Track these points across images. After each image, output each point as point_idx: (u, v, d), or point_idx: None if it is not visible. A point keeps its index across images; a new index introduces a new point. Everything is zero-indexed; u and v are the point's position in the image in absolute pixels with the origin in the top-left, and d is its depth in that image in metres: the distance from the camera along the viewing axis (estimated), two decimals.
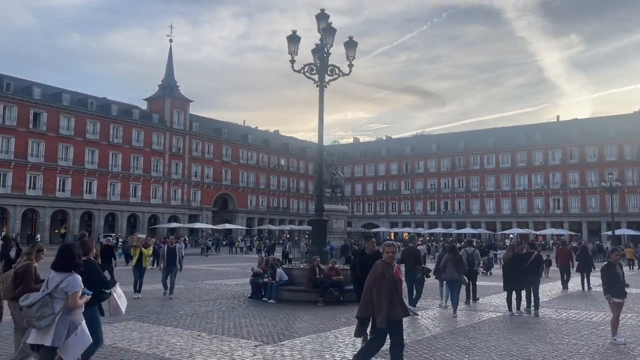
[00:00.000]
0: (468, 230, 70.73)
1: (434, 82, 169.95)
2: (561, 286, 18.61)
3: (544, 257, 24.41)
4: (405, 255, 12.71)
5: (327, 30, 14.56)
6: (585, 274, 18.18)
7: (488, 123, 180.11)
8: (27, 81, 59.23)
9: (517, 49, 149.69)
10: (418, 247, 15.08)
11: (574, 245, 31.38)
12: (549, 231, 66.88)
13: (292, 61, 14.91)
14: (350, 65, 15.15)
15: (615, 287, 8.93)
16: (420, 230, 76.82)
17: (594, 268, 19.49)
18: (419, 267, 12.41)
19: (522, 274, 11.97)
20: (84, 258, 6.09)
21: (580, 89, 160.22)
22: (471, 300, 13.92)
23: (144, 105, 72.67)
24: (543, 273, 23.16)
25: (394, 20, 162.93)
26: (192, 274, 22.48)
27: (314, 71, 15.00)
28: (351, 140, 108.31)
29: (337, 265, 13.92)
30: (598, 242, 44.67)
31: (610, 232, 50.45)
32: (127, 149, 64.82)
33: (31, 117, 56.41)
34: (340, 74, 15.15)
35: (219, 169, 76.06)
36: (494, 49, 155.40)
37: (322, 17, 14.96)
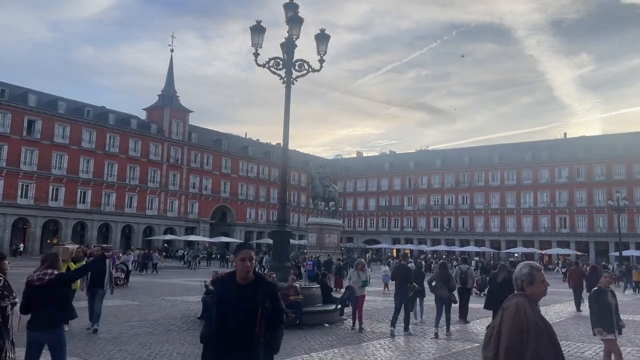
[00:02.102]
0: (472, 248, 68.81)
1: (444, 99, 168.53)
2: (573, 308, 17.64)
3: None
4: (396, 273, 12.06)
5: (292, 20, 13.09)
6: None
7: (496, 141, 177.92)
8: (22, 88, 58.35)
9: (527, 68, 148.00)
10: (409, 265, 14.32)
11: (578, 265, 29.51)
12: (554, 251, 64.72)
13: (256, 54, 13.43)
14: (322, 61, 13.66)
15: (607, 320, 7.21)
16: (422, 247, 74.96)
17: None
18: (409, 286, 11.71)
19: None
20: (56, 272, 5.46)
21: (590, 109, 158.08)
22: (463, 321, 13.37)
23: (143, 115, 71.67)
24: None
25: (403, 38, 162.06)
26: (161, 288, 20.94)
27: (280, 66, 13.51)
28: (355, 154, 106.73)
29: (296, 284, 12.27)
30: (604, 262, 42.59)
31: (618, 253, 48.44)
32: (123, 159, 63.59)
33: (25, 125, 55.38)
34: (310, 69, 13.66)
35: (218, 180, 74.68)
36: (503, 67, 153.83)
37: (290, 6, 13.52)
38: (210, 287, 12.91)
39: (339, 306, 12.95)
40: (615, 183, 63.55)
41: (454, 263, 30.19)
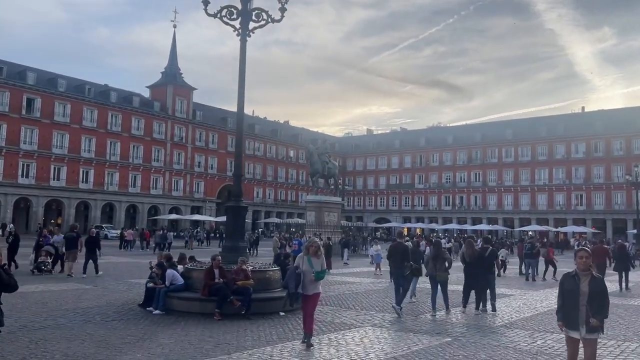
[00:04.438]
0: (484, 226, 66.83)
1: (461, 76, 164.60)
2: None
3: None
4: (391, 252, 11.79)
5: None
6: (623, 273, 17.59)
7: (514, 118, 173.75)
8: (21, 66, 57.14)
9: (547, 42, 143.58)
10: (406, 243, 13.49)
11: (589, 244, 27.58)
12: (570, 228, 62.44)
13: (206, 2, 11.70)
14: (283, 9, 11.88)
15: (570, 312, 5.35)
16: (434, 225, 73.13)
17: (633, 267, 20.75)
18: (407, 265, 11.28)
19: (482, 273, 11.54)
20: None
21: (612, 84, 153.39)
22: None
23: (146, 93, 70.26)
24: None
25: (420, 13, 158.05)
26: (138, 269, 19.59)
27: (234, 15, 11.76)
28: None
29: (247, 266, 10.62)
30: (620, 240, 40.40)
31: (636, 231, 46.18)
32: (126, 138, 62.43)
33: (24, 103, 54.37)
34: (269, 19, 11.89)
35: (224, 159, 73.27)
36: (522, 42, 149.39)
37: None
38: (155, 270, 11.37)
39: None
40: (635, 158, 60.80)
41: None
